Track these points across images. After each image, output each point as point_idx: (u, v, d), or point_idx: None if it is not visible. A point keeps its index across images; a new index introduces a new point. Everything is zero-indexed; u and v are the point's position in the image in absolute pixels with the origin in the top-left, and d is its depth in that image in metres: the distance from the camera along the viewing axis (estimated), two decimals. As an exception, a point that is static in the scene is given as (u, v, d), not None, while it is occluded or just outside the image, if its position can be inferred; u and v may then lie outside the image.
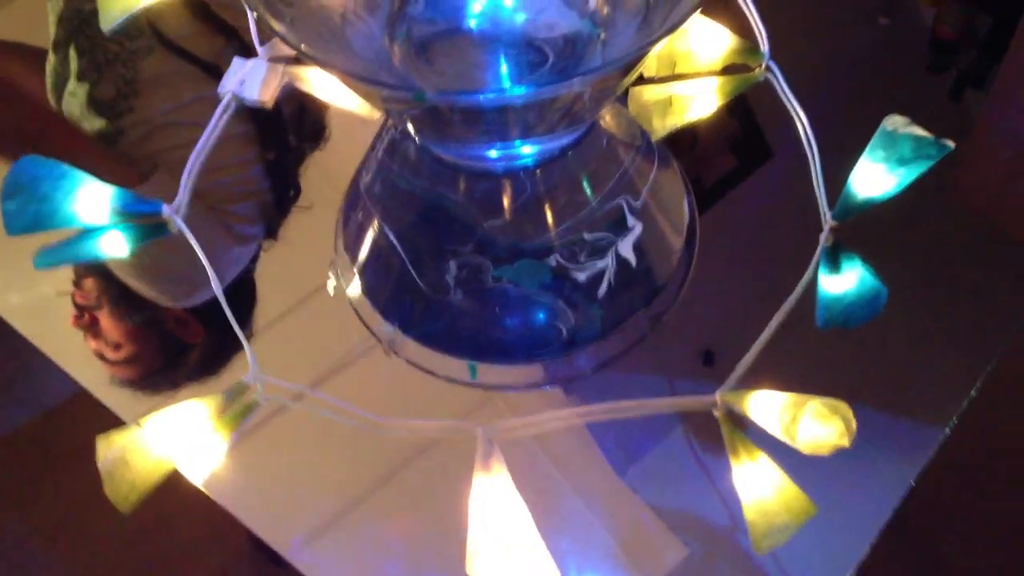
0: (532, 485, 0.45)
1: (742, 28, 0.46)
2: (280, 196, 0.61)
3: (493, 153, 0.44)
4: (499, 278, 0.50)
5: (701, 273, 0.54)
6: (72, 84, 0.63)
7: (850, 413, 0.37)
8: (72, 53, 0.64)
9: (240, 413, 0.41)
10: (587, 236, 0.49)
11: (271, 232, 0.60)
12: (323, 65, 0.37)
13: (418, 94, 0.36)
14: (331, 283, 0.54)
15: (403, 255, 0.51)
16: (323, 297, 0.55)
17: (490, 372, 0.52)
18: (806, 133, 0.42)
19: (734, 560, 0.46)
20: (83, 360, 0.56)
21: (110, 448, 0.39)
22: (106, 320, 0.57)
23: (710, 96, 0.46)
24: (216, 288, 0.46)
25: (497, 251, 0.49)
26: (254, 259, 0.58)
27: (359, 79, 0.38)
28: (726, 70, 0.46)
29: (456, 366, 0.52)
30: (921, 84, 0.67)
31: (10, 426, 0.91)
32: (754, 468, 0.41)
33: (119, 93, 0.63)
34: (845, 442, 0.37)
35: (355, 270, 0.54)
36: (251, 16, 0.49)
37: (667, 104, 0.46)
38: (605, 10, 0.42)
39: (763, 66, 0.44)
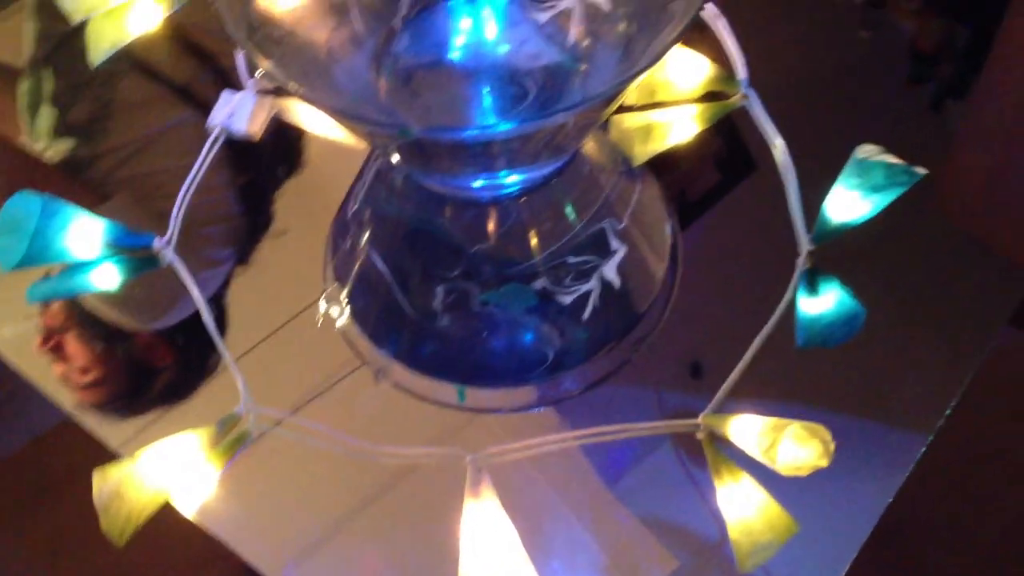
0: (521, 503, 0.46)
1: (720, 55, 0.47)
2: (253, 221, 0.61)
3: (478, 183, 0.45)
4: (486, 303, 0.50)
5: (685, 292, 0.55)
6: (45, 106, 0.63)
7: (828, 435, 0.38)
8: (47, 74, 0.64)
9: (233, 444, 0.42)
10: (571, 260, 0.50)
11: (243, 258, 0.60)
12: (310, 101, 0.38)
13: (403, 130, 0.37)
14: (321, 308, 0.55)
15: (391, 281, 0.52)
16: (304, 323, 0.56)
17: (478, 395, 0.53)
18: (784, 161, 0.43)
19: (723, 572, 0.47)
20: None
21: (105, 482, 0.39)
22: (73, 344, 0.57)
23: (689, 123, 0.47)
24: (206, 317, 0.46)
25: (484, 276, 0.50)
26: (225, 284, 0.59)
27: (345, 115, 0.38)
28: (705, 97, 0.47)
29: (445, 390, 0.53)
30: (902, 96, 0.68)
31: (1, 453, 0.92)
32: (737, 488, 0.41)
33: (94, 115, 0.63)
34: (824, 462, 0.38)
35: (343, 296, 0.54)
36: (239, 52, 0.50)
37: (648, 131, 0.47)
38: (586, 43, 0.43)
39: (741, 94, 0.45)
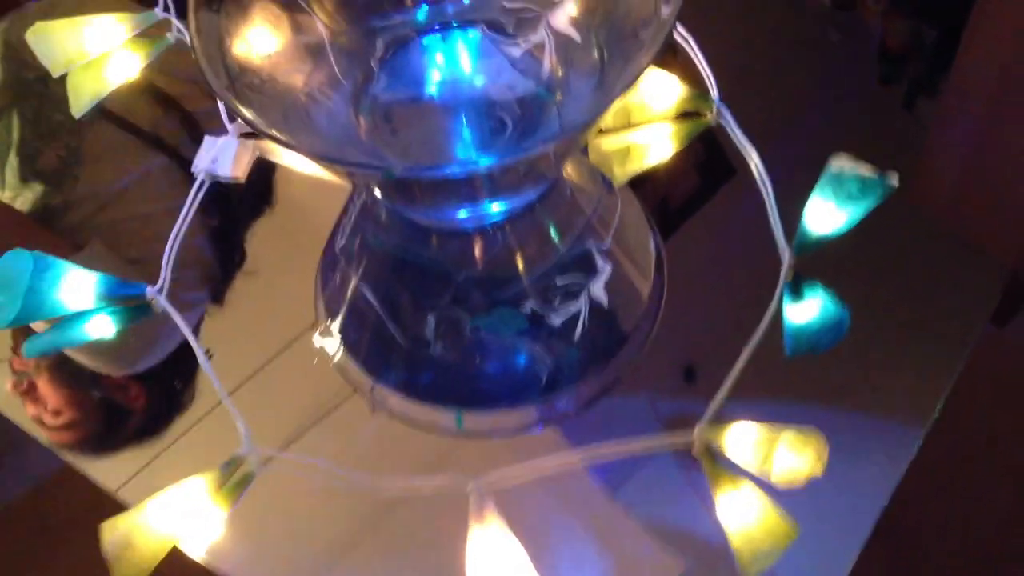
0: (524, 522, 0.46)
1: (692, 73, 0.48)
2: (234, 261, 0.62)
3: (462, 213, 0.46)
4: (477, 328, 0.51)
5: (672, 306, 0.56)
6: (12, 154, 0.63)
7: (822, 441, 0.39)
8: (15, 121, 0.64)
9: (238, 485, 0.43)
10: (559, 282, 0.51)
11: (222, 298, 0.60)
12: (292, 147, 0.39)
13: (387, 171, 0.38)
14: (316, 343, 0.55)
15: (382, 312, 0.53)
16: (293, 358, 0.56)
17: (476, 420, 0.53)
18: (760, 174, 0.44)
19: (731, 573, 0.48)
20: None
21: (115, 532, 0.40)
22: (45, 386, 0.57)
23: (666, 142, 0.48)
24: (202, 359, 0.47)
25: (473, 302, 0.51)
26: (208, 325, 0.59)
27: (327, 160, 0.39)
28: (680, 116, 0.48)
29: (442, 416, 0.53)
30: (875, 97, 0.69)
31: (3, 501, 0.91)
32: (736, 496, 0.42)
33: (63, 163, 0.63)
34: (818, 471, 0.39)
35: (336, 330, 0.55)
36: (219, 99, 0.51)
37: (626, 152, 0.48)
38: (560, 72, 0.44)
39: (714, 111, 0.46)
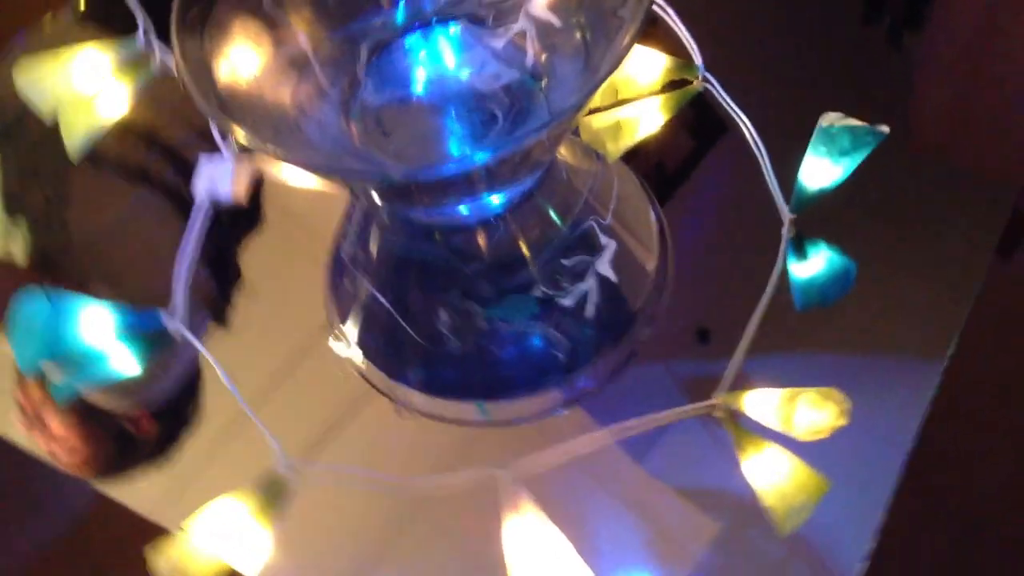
0: (556, 503, 0.47)
1: (674, 44, 0.48)
2: (225, 281, 0.62)
3: (463, 209, 0.46)
4: (491, 318, 0.52)
5: (679, 274, 0.57)
6: None
7: (841, 396, 0.39)
8: None
9: (276, 500, 0.43)
10: (565, 263, 0.52)
11: (221, 319, 0.61)
12: (288, 160, 0.39)
13: (384, 176, 0.39)
14: (334, 350, 0.56)
15: (395, 313, 0.53)
16: (309, 368, 0.57)
17: (499, 409, 0.54)
18: (752, 135, 0.45)
19: (766, 528, 0.49)
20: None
21: (163, 558, 0.41)
22: (55, 422, 0.58)
23: (655, 114, 0.48)
24: (225, 379, 0.47)
25: (483, 293, 0.52)
26: (215, 343, 0.60)
27: (324, 170, 0.40)
28: (666, 87, 0.48)
29: (466, 409, 0.54)
30: (860, 38, 0.69)
31: (48, 542, 0.92)
32: (763, 457, 0.43)
33: (50, 204, 0.63)
34: (843, 421, 0.39)
35: (351, 335, 0.56)
36: (212, 121, 0.51)
37: (617, 128, 0.49)
38: (544, 58, 0.45)
39: (700, 78, 0.47)
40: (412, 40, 0.47)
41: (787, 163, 0.45)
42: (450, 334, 0.52)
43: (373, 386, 0.55)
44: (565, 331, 0.53)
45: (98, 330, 0.46)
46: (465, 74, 0.47)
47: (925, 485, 0.91)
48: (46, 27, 0.73)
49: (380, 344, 0.56)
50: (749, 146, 0.46)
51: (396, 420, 0.54)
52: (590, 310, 0.52)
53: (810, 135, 0.43)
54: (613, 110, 0.49)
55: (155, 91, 0.55)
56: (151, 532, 0.50)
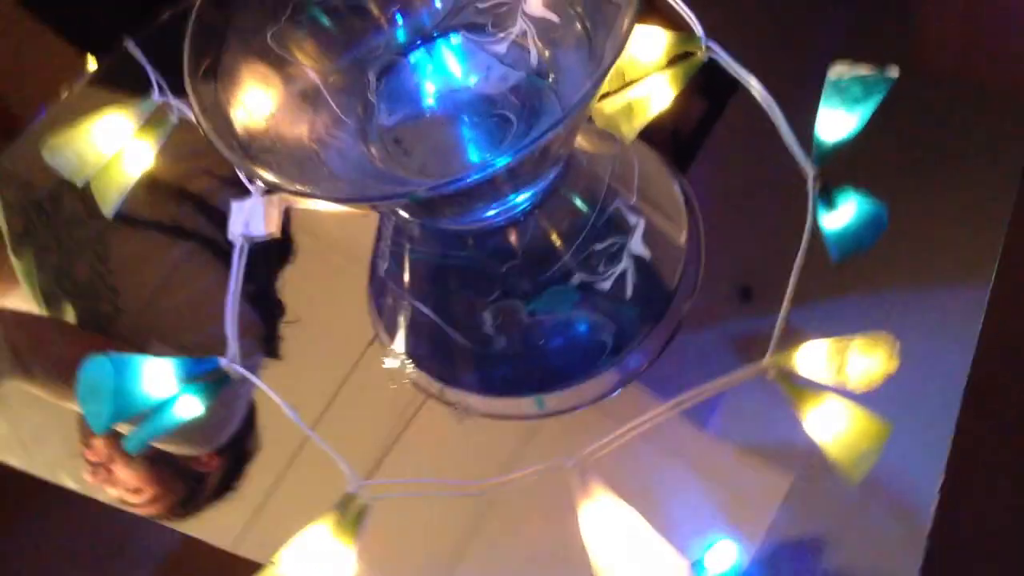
0: (627, 480, 0.48)
1: (673, 17, 0.48)
2: (269, 315, 0.64)
3: (491, 212, 0.47)
4: (533, 312, 0.53)
5: (713, 241, 0.57)
6: (42, 275, 0.66)
7: (890, 339, 0.40)
8: (33, 247, 0.67)
9: (356, 520, 0.45)
10: (598, 247, 0.52)
11: (272, 352, 0.63)
12: (317, 197, 0.41)
13: (412, 196, 0.39)
14: (387, 365, 0.57)
15: (440, 322, 0.54)
16: (360, 386, 0.59)
17: (555, 399, 0.55)
18: (763, 97, 0.45)
19: (835, 481, 0.49)
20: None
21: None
22: (121, 470, 0.61)
23: (665, 90, 0.48)
24: (287, 410, 0.48)
25: (523, 289, 0.52)
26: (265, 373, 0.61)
27: (352, 201, 0.41)
28: (672, 61, 0.49)
29: (523, 404, 0.55)
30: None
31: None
32: (822, 410, 0.43)
33: (96, 272, 0.66)
34: (893, 366, 0.40)
35: (401, 348, 0.57)
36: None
37: (629, 110, 0.49)
38: (547, 54, 0.45)
39: (703, 48, 0.47)
40: (416, 56, 0.47)
41: (802, 117, 0.45)
42: (496, 333, 0.53)
43: (429, 395, 0.56)
44: (608, 314, 0.54)
45: (161, 384, 0.48)
46: (473, 81, 0.48)
47: (987, 410, 0.91)
48: (63, 98, 0.75)
49: (430, 353, 0.57)
50: (762, 107, 0.47)
51: (456, 425, 0.55)
52: (629, 289, 0.53)
53: (820, 84, 0.44)
54: (623, 92, 0.49)
55: (176, 143, 0.57)
56: (240, 568, 0.52)
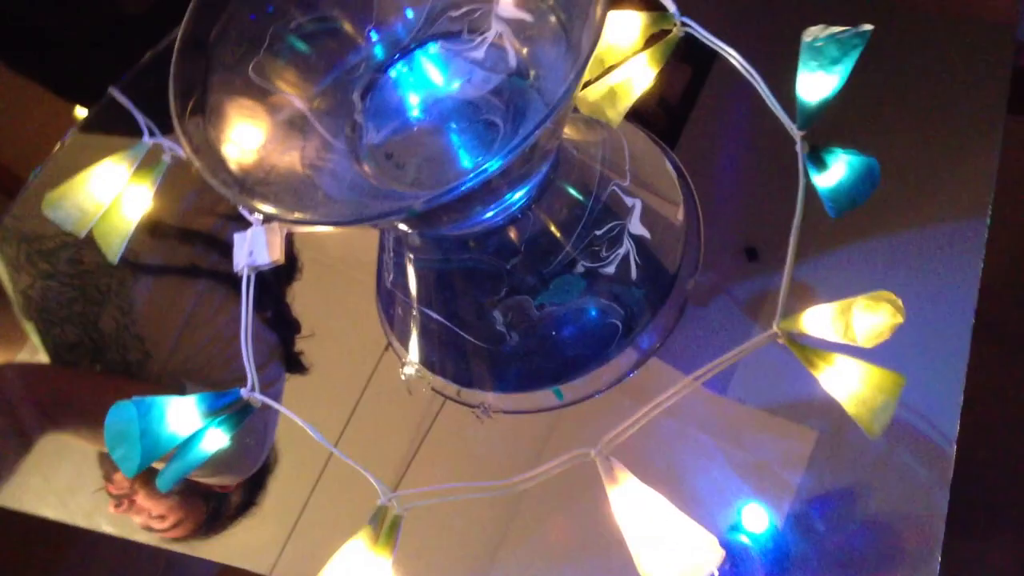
0: (652, 461, 0.48)
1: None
2: (283, 337, 0.65)
3: (488, 213, 0.48)
4: (542, 305, 0.53)
5: (710, 213, 0.57)
6: (56, 328, 0.67)
7: (892, 296, 0.40)
8: (40, 303, 0.68)
9: (390, 532, 0.46)
10: (598, 233, 0.53)
11: (293, 366, 0.64)
12: (316, 223, 0.41)
13: (410, 211, 0.40)
14: (405, 374, 0.58)
15: (451, 326, 0.55)
16: (380, 399, 0.60)
17: (573, 388, 0.55)
18: (743, 66, 0.45)
19: (858, 435, 0.49)
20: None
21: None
22: (144, 499, 0.62)
23: (645, 70, 0.49)
24: (313, 432, 0.49)
25: (529, 284, 0.53)
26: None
27: (350, 223, 0.41)
28: (648, 42, 0.49)
29: (541, 397, 0.56)
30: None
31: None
32: (835, 370, 0.44)
33: (119, 324, 0.67)
34: (900, 318, 0.40)
35: (416, 356, 0.57)
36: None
37: (612, 95, 0.49)
38: (525, 52, 0.46)
39: (678, 24, 0.47)
40: (397, 71, 0.48)
41: (784, 82, 0.46)
42: (508, 331, 0.54)
43: (448, 398, 0.57)
44: (616, 297, 0.55)
45: (186, 421, 0.49)
46: (455, 87, 0.48)
47: (995, 339, 0.91)
48: (56, 151, 0.76)
49: (445, 357, 0.57)
50: (744, 77, 0.47)
51: (478, 425, 0.56)
52: (634, 271, 0.53)
53: (798, 47, 0.44)
54: (604, 78, 0.50)
55: (174, 183, 0.58)
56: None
